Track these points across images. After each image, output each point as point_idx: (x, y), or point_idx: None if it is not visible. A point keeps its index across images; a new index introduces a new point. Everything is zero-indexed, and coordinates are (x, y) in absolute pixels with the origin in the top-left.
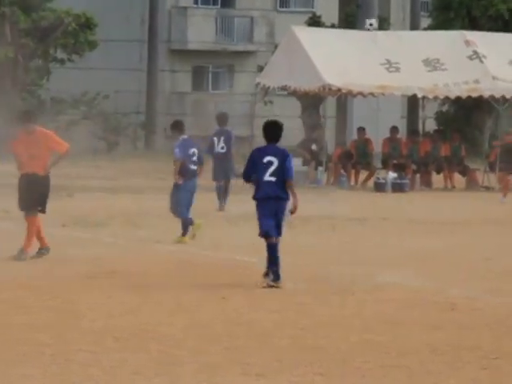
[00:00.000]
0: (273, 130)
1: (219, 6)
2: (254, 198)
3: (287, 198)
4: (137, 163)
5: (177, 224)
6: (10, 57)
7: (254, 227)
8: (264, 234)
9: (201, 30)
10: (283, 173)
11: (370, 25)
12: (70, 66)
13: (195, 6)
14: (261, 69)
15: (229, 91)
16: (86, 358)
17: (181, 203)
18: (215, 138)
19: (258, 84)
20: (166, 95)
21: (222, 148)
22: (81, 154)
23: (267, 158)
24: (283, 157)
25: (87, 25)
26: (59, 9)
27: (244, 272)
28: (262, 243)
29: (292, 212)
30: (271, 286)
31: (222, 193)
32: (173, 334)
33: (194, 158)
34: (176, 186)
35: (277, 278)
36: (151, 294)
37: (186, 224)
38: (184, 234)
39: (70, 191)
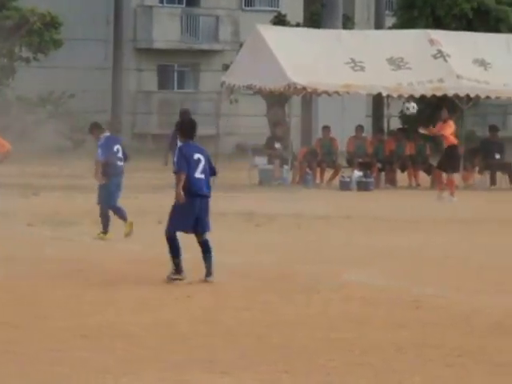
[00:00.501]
0: (192, 127)
1: (184, 4)
2: (185, 194)
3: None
4: None
5: (143, 224)
6: None
7: (220, 225)
8: (189, 231)
9: (166, 29)
10: (209, 170)
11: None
12: (36, 65)
13: (160, 4)
14: (226, 67)
15: (194, 90)
16: (53, 356)
17: (111, 199)
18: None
19: (224, 83)
20: (131, 94)
21: None
22: (47, 152)
23: (197, 156)
24: (207, 155)
25: (52, 24)
26: (24, 8)
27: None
28: (228, 242)
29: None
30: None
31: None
32: (138, 333)
33: (119, 155)
34: (102, 187)
35: (180, 270)
36: (118, 292)
37: (107, 221)
38: (105, 231)
39: (36, 190)
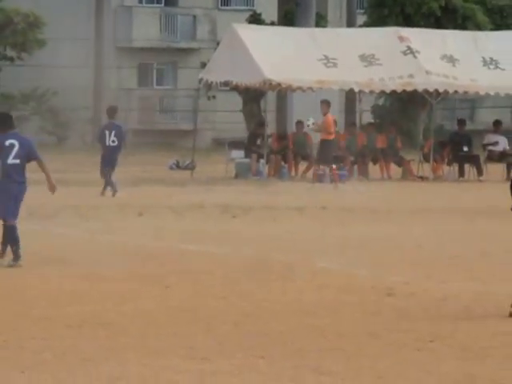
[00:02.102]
0: (5, 120)
1: (163, 4)
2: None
3: (24, 182)
4: (85, 156)
5: (124, 217)
6: None
7: (198, 217)
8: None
9: (145, 28)
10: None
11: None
12: (20, 64)
13: (140, 4)
14: (203, 65)
15: (173, 87)
16: (37, 344)
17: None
18: (106, 131)
19: (202, 79)
20: (112, 91)
21: (113, 141)
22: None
23: (9, 141)
24: (24, 140)
25: (35, 24)
26: (8, 8)
27: (187, 260)
28: (206, 233)
29: None
30: (12, 266)
31: (108, 180)
32: (120, 322)
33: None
34: None
35: (18, 257)
36: (99, 283)
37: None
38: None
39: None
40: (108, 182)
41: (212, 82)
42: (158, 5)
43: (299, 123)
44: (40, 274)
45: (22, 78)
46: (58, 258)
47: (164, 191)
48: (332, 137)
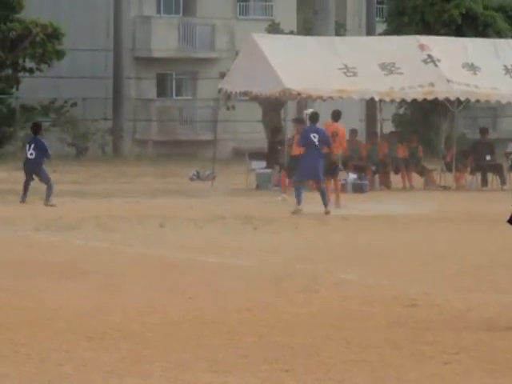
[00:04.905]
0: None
1: (181, 14)
2: None
3: None
4: (105, 168)
5: (145, 228)
6: None
7: (219, 228)
8: None
9: (164, 38)
10: None
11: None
12: (39, 75)
13: (158, 15)
14: (223, 75)
15: (192, 97)
16: (60, 356)
17: None
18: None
19: (221, 90)
20: (131, 102)
21: (31, 154)
22: (50, 159)
23: None
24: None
25: (54, 35)
26: (27, 19)
27: (209, 272)
28: (227, 244)
29: None
30: None
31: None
32: (143, 334)
33: None
34: None
35: None
36: (122, 294)
37: None
38: None
39: (41, 196)
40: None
41: (231, 92)
42: (176, 15)
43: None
44: (61, 285)
45: (42, 89)
46: (79, 269)
47: (185, 202)
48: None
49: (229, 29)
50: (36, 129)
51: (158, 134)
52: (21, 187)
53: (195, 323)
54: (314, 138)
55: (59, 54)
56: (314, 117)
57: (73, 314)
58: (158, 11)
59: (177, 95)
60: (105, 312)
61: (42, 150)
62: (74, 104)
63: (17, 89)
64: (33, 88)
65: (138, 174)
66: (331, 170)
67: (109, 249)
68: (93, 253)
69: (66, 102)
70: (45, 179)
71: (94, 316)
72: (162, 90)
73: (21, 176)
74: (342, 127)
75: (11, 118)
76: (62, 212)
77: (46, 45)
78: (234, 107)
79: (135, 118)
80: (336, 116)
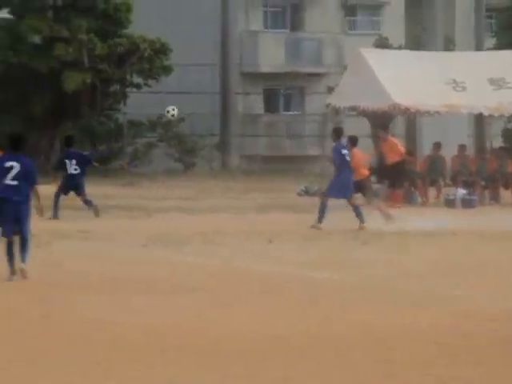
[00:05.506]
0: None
1: (289, 29)
2: None
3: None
4: (212, 183)
5: (253, 243)
6: (87, 82)
7: (327, 243)
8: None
9: (271, 53)
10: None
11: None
12: (146, 90)
13: (265, 30)
14: (330, 90)
15: (300, 112)
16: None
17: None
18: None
19: (329, 105)
20: (239, 117)
21: (76, 169)
22: (158, 175)
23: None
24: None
25: (162, 50)
26: (135, 35)
27: (317, 287)
28: (337, 259)
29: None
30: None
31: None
32: (254, 348)
33: None
34: None
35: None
36: (236, 309)
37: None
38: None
39: (149, 212)
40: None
41: (339, 107)
42: (283, 30)
43: (437, 144)
44: (173, 301)
45: (149, 104)
46: (189, 285)
47: (293, 218)
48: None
49: (336, 43)
50: (69, 141)
51: (265, 149)
52: (129, 203)
53: (303, 337)
54: (347, 155)
55: (167, 70)
56: (339, 132)
57: (185, 332)
58: (266, 26)
59: (284, 110)
60: (221, 326)
61: (83, 163)
62: (182, 119)
63: (124, 104)
64: (140, 103)
65: (245, 190)
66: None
67: (217, 265)
68: (201, 268)
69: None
70: (85, 196)
71: (212, 331)
72: (270, 105)
73: (129, 192)
74: (359, 153)
75: (119, 133)
76: (169, 228)
77: (153, 60)
78: (341, 122)
79: (242, 133)
80: (353, 141)
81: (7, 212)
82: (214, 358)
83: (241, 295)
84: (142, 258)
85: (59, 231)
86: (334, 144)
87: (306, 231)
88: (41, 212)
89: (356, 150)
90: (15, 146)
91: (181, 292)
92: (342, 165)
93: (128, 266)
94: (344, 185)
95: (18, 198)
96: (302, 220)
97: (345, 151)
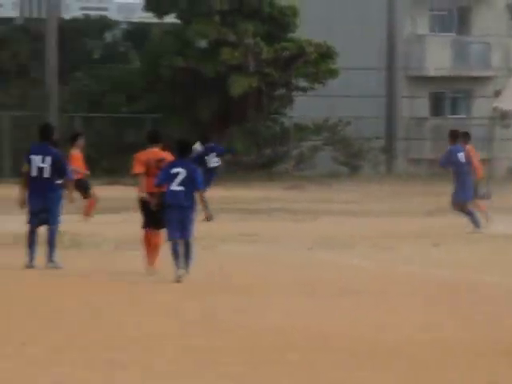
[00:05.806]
0: (184, 148)
1: (455, 33)
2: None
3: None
4: (378, 187)
5: (417, 246)
6: (254, 86)
7: (495, 247)
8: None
9: (438, 57)
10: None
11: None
12: (312, 94)
13: (432, 33)
14: (497, 93)
15: (467, 116)
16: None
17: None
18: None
19: (496, 108)
20: (405, 120)
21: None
22: (324, 178)
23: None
24: (192, 168)
25: (328, 54)
26: (301, 39)
27: (484, 291)
28: (498, 264)
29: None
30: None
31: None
32: (419, 352)
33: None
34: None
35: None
36: (398, 312)
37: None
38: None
39: (315, 215)
40: None
41: (507, 110)
42: (450, 33)
43: None
44: (336, 303)
45: (315, 108)
46: (353, 288)
47: (460, 221)
48: None
49: (503, 46)
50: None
51: (431, 153)
52: (294, 206)
53: (470, 343)
54: (462, 157)
55: (333, 73)
56: (455, 134)
57: (349, 334)
58: (432, 30)
59: (451, 114)
60: (380, 330)
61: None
62: (348, 123)
63: (290, 108)
64: (306, 107)
65: (411, 193)
66: None
67: (382, 268)
68: (366, 272)
69: (340, 120)
70: None
71: (374, 334)
72: (436, 109)
73: (294, 195)
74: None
75: (284, 137)
76: (334, 231)
77: (319, 64)
78: (509, 126)
79: (408, 136)
80: (466, 138)
81: (173, 217)
82: (389, 361)
83: (404, 299)
84: (307, 262)
85: (223, 235)
86: (449, 147)
87: (472, 235)
88: (210, 216)
89: (471, 148)
90: (182, 152)
91: (343, 295)
92: (459, 168)
93: (294, 269)
94: (465, 187)
95: (184, 203)
96: (469, 223)
97: (460, 154)
